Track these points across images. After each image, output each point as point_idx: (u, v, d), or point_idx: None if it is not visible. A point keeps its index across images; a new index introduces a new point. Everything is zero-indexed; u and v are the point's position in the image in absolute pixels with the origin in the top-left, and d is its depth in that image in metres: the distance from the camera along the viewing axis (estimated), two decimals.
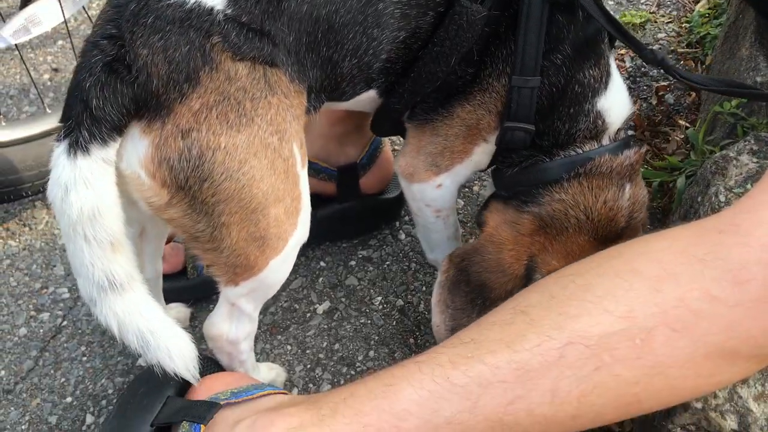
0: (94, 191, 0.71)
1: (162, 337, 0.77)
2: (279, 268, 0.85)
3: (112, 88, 0.70)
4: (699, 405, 0.75)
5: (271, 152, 0.77)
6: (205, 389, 0.86)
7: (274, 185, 0.78)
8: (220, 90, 0.73)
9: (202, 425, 0.80)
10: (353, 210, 1.21)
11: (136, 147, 0.73)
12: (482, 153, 0.95)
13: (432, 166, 0.96)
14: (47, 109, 1.29)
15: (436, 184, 0.98)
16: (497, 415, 0.72)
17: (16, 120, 1.41)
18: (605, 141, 0.91)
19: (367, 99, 0.92)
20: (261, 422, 0.79)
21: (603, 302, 0.71)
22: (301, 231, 0.85)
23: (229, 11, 0.72)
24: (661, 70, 1.40)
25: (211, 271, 0.84)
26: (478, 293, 0.93)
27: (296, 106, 0.80)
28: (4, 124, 1.24)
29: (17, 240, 1.27)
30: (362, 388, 0.79)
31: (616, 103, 0.91)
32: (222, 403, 0.82)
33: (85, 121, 0.70)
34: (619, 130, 0.92)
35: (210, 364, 0.92)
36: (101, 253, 0.73)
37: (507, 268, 0.92)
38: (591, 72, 0.88)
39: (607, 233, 0.91)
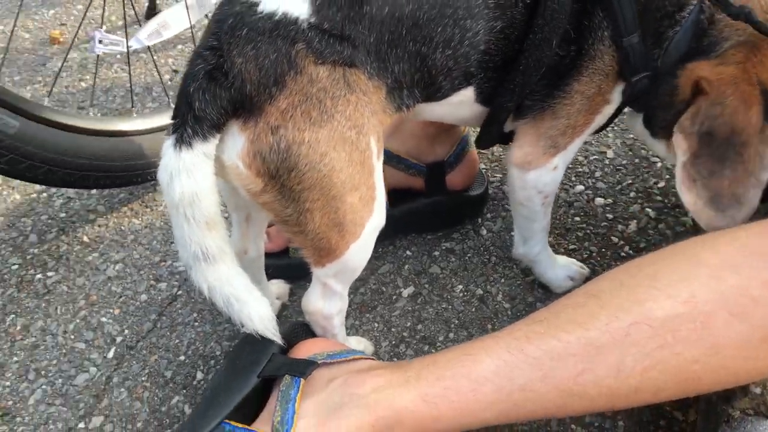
0: (194, 180, 0.80)
1: (245, 303, 0.87)
2: (358, 252, 0.92)
3: (212, 92, 0.79)
4: (758, 390, 0.80)
5: (349, 145, 0.83)
6: (305, 350, 0.96)
7: (351, 175, 0.85)
8: (303, 91, 0.80)
9: (302, 379, 0.89)
10: (442, 205, 1.30)
11: (235, 142, 0.82)
12: (604, 117, 1.02)
13: (550, 148, 1.01)
14: (171, 104, 1.45)
15: (552, 166, 1.03)
16: (566, 385, 0.79)
17: (146, 112, 1.58)
18: None
19: (464, 102, 0.97)
20: (353, 380, 0.89)
21: (668, 289, 0.78)
22: (376, 217, 0.91)
23: (313, 20, 0.80)
24: None
25: (302, 254, 0.93)
26: (725, 146, 0.94)
27: (374, 102, 0.86)
28: (135, 115, 1.40)
29: (140, 219, 1.43)
30: (443, 357, 0.88)
31: None
32: (319, 362, 0.92)
33: (189, 121, 0.79)
34: None
35: (309, 330, 1.03)
36: (197, 230, 0.83)
37: (748, 98, 0.94)
38: None
39: None
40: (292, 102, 0.80)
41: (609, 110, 1.02)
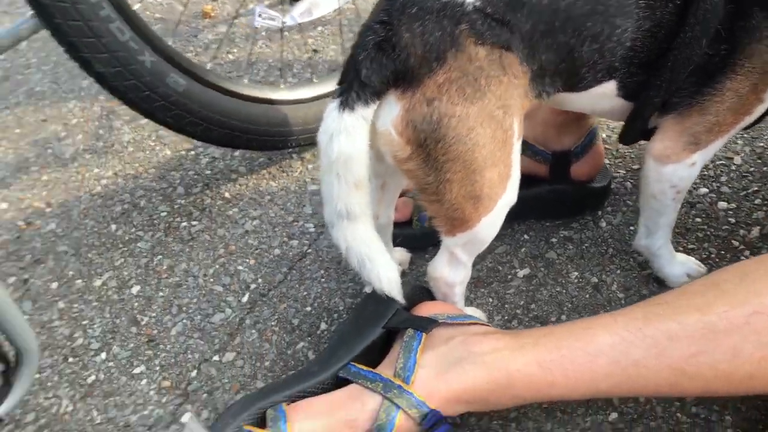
0: (351, 141, 0.87)
1: (376, 263, 0.94)
2: (489, 225, 0.97)
3: (379, 62, 0.86)
4: None
5: (495, 123, 0.88)
6: (425, 310, 1.03)
7: (492, 152, 0.90)
8: (461, 68, 0.85)
9: (424, 334, 0.96)
10: (567, 194, 1.33)
11: (391, 110, 0.88)
12: (752, 117, 1.02)
13: (691, 144, 1.03)
14: (314, 80, 1.56)
15: (690, 162, 1.05)
16: (680, 365, 0.83)
17: (293, 85, 1.69)
18: None
19: (606, 94, 1.00)
20: (471, 340, 0.95)
21: None
22: (510, 194, 0.96)
23: (477, 3, 0.85)
24: None
25: (434, 222, 0.98)
26: None
27: (521, 85, 0.91)
28: (283, 87, 1.52)
29: (276, 182, 1.55)
30: (560, 329, 0.93)
31: None
32: (440, 321, 0.99)
33: (355, 86, 0.87)
34: None
35: (429, 294, 1.10)
36: (346, 190, 0.90)
37: None
38: None
39: None
40: (450, 77, 0.86)
41: (760, 110, 1.02)
